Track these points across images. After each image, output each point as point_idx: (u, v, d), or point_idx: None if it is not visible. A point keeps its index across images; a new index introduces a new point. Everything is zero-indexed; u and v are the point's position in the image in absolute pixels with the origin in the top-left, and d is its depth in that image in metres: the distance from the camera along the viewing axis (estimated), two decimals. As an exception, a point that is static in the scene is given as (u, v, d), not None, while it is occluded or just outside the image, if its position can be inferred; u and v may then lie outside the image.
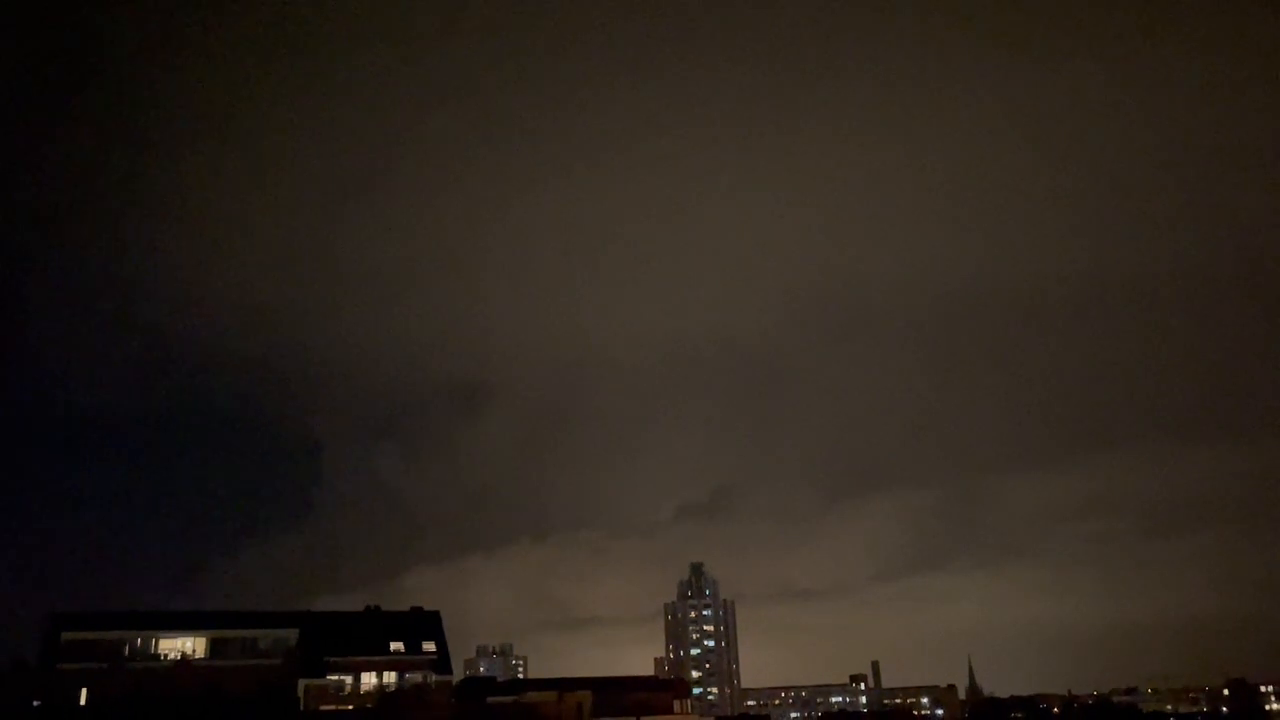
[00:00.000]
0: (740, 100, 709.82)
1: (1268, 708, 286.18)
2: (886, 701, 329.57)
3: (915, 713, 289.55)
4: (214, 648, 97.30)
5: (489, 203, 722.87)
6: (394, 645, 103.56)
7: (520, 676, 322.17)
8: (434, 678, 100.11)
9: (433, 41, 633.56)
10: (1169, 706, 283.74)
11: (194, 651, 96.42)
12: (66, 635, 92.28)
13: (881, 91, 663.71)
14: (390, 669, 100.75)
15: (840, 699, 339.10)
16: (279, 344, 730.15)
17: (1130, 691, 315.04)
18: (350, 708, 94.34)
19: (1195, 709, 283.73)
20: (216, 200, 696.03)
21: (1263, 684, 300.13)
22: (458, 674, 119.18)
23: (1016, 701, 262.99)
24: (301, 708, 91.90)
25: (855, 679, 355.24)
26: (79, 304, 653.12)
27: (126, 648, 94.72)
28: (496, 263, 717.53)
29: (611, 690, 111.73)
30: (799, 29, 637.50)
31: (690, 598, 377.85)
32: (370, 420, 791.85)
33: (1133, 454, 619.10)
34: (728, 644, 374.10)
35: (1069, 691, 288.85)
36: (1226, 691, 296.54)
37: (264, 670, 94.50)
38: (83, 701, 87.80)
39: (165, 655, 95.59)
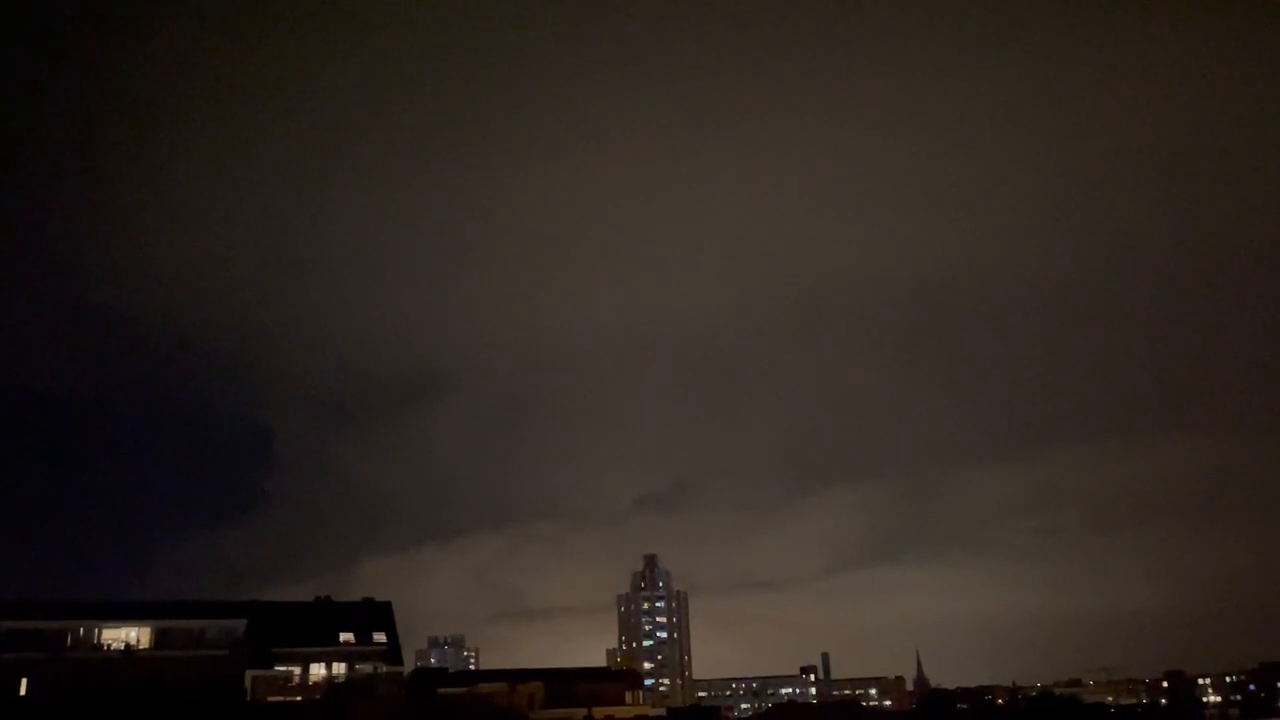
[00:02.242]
0: (705, 92, 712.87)
1: (1205, 699, 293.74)
2: (835, 693, 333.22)
3: (864, 704, 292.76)
4: (159, 638, 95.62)
5: (455, 192, 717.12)
6: (344, 636, 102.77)
7: (472, 668, 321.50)
8: (384, 669, 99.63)
9: (406, 28, 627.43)
10: (1109, 698, 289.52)
11: (138, 642, 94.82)
12: (7, 624, 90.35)
13: (853, 83, 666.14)
14: (340, 660, 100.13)
15: (790, 690, 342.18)
16: (232, 327, 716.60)
17: (1073, 683, 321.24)
18: (298, 699, 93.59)
19: (1134, 700, 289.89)
20: (175, 179, 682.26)
21: (1200, 676, 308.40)
22: (409, 665, 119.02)
23: (963, 693, 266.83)
24: (249, 699, 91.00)
25: (805, 671, 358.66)
26: (24, 282, 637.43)
27: (69, 638, 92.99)
28: (460, 252, 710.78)
29: (563, 681, 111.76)
30: (771, 17, 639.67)
31: (643, 589, 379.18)
32: (325, 407, 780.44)
33: (1081, 449, 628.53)
34: (680, 635, 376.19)
35: (1014, 683, 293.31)
36: (1165, 683, 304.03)
37: (210, 661, 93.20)
38: (23, 692, 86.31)
39: (109, 646, 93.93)
